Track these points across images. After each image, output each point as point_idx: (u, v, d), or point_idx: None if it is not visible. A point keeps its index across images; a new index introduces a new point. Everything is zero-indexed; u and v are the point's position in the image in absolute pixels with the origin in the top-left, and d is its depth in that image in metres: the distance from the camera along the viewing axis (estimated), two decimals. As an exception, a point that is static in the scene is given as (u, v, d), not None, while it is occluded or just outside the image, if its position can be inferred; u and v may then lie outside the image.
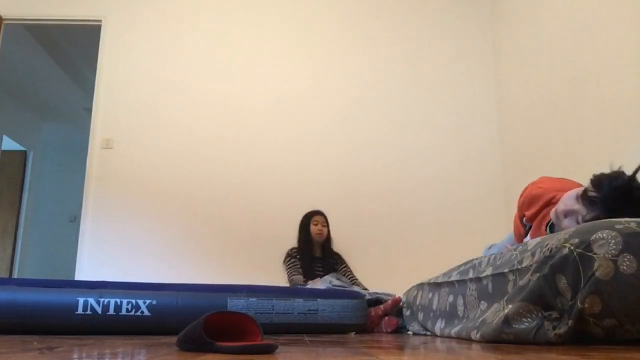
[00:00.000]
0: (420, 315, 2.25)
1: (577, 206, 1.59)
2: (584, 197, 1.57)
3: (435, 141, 3.97)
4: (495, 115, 4.01)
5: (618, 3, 2.55)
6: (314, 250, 3.50)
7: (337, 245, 3.63)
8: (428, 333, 2.17)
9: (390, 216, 3.83)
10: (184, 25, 4.16)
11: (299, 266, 3.39)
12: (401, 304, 2.59)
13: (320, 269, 3.40)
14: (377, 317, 2.73)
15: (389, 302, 2.77)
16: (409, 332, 2.44)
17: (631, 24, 2.43)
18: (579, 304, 1.18)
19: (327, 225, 3.56)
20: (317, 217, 3.53)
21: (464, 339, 1.63)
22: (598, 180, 1.57)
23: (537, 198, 1.90)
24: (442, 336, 1.93)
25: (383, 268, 3.68)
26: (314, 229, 3.48)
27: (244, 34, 4.14)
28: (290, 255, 3.46)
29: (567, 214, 1.63)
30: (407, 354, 1.23)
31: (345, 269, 3.53)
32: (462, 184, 3.88)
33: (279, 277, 3.39)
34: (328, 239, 3.56)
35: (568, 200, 1.64)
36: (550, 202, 1.83)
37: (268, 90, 4.04)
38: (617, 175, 1.55)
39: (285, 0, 4.24)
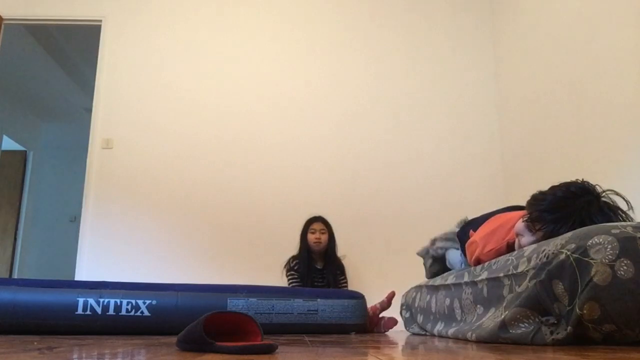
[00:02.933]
0: (420, 318, 2.25)
1: (522, 227, 1.59)
2: (530, 205, 1.56)
3: (435, 140, 3.97)
4: (495, 115, 4.01)
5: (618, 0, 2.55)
6: (314, 260, 3.34)
7: (339, 247, 3.49)
8: (427, 334, 2.17)
9: (390, 216, 3.83)
10: (184, 26, 4.16)
11: (297, 279, 3.25)
12: (400, 305, 2.60)
13: (320, 280, 3.29)
14: (375, 317, 2.74)
15: (385, 299, 2.77)
16: (409, 332, 2.44)
17: (631, 20, 2.43)
18: (577, 310, 1.18)
19: (329, 232, 3.35)
20: (314, 225, 3.35)
21: (460, 339, 1.64)
22: (541, 193, 1.56)
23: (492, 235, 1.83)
24: (440, 336, 1.93)
25: (384, 269, 3.68)
26: (310, 237, 3.30)
27: (245, 35, 4.14)
28: (289, 267, 3.30)
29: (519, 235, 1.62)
30: (407, 353, 1.23)
31: (342, 281, 3.39)
32: (462, 183, 3.88)
33: (279, 278, 3.39)
34: (331, 247, 3.35)
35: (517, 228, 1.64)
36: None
37: (268, 91, 4.04)
38: (562, 184, 1.53)
39: (285, 1, 4.24)
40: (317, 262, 3.37)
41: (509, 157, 3.84)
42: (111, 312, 2.06)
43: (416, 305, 2.34)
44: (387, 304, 2.75)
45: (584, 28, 2.85)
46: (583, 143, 2.83)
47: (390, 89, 4.06)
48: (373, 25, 4.18)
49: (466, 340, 1.57)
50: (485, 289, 1.57)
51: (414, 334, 2.35)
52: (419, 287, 2.40)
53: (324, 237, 3.34)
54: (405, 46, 4.14)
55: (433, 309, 2.08)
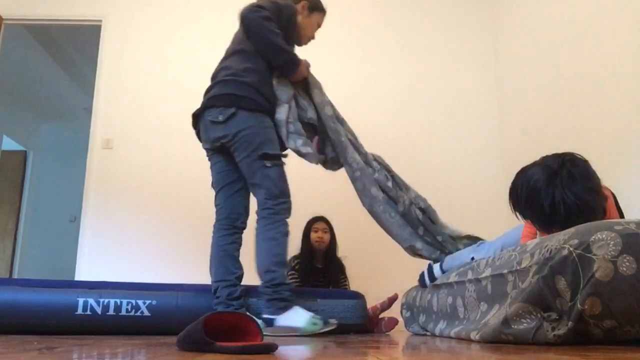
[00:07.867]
0: (423, 317, 2.25)
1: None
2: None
3: (436, 138, 3.97)
4: (496, 113, 4.01)
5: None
6: (315, 260, 3.33)
7: (340, 247, 3.46)
8: (428, 334, 2.17)
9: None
10: (184, 25, 4.15)
11: (297, 279, 3.23)
12: (401, 305, 2.59)
13: (321, 280, 3.28)
14: (375, 317, 2.73)
15: (386, 300, 2.77)
16: (410, 332, 2.44)
17: (629, 16, 2.44)
18: (578, 305, 1.18)
19: (330, 232, 3.37)
20: (317, 224, 3.35)
21: (463, 339, 1.63)
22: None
23: None
24: (441, 336, 1.93)
25: (385, 269, 3.68)
26: (313, 236, 3.30)
27: (244, 34, 4.14)
28: (290, 267, 3.25)
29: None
30: (408, 353, 1.23)
31: (343, 281, 3.37)
32: (463, 182, 3.88)
33: (279, 277, 3.38)
34: (332, 248, 3.35)
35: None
36: None
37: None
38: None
39: None
40: (318, 262, 3.37)
41: (510, 154, 3.84)
42: (111, 312, 2.06)
43: (417, 304, 2.33)
44: (387, 305, 2.75)
45: (583, 24, 2.85)
46: (583, 138, 2.83)
47: (390, 86, 4.06)
48: (374, 22, 4.17)
49: (469, 340, 1.57)
50: (489, 286, 1.58)
51: (414, 333, 2.35)
52: (419, 287, 2.39)
53: (326, 237, 3.34)
54: (406, 40, 4.14)
55: (435, 308, 2.07)
